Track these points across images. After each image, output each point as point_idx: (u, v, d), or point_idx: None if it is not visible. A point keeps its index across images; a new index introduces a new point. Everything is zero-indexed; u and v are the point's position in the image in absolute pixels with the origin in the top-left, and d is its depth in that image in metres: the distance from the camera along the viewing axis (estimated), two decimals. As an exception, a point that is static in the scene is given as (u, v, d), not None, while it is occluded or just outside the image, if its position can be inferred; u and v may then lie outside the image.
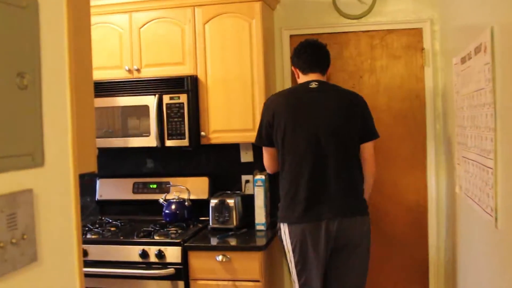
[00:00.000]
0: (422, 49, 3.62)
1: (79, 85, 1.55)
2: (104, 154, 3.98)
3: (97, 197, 4.03)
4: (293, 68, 3.21)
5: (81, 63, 1.54)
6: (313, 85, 3.00)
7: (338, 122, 2.93)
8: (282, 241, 2.97)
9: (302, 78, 3.11)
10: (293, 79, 3.48)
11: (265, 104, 3.12)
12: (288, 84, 3.77)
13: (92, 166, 1.64)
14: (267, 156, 3.14)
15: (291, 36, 3.81)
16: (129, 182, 4.00)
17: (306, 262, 2.89)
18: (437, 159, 3.62)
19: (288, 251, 2.93)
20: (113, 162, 4.09)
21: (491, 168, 2.01)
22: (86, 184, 4.02)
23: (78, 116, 1.51)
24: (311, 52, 3.10)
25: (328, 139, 2.89)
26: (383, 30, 3.69)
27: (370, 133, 3.03)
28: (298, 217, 2.87)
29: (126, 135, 3.60)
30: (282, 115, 2.94)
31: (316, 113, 2.93)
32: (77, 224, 1.36)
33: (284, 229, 2.93)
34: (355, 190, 2.98)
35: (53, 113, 1.26)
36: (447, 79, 3.27)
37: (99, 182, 4.04)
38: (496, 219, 1.97)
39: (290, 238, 2.90)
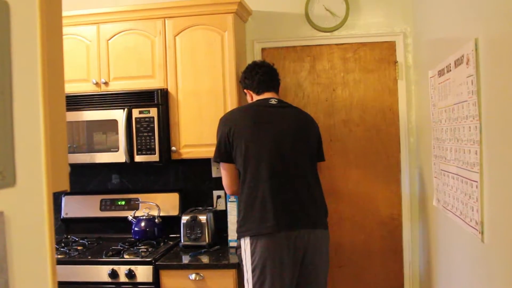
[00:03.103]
0: (395, 62, 3.61)
1: (52, 99, 1.46)
2: (70, 171, 3.85)
3: (63, 215, 3.87)
4: (245, 91, 3.15)
5: (53, 74, 1.44)
6: (273, 101, 3.00)
7: (300, 136, 2.94)
8: (241, 260, 2.82)
9: (256, 99, 3.08)
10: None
11: (221, 119, 3.01)
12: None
13: (64, 184, 1.54)
14: (226, 173, 2.99)
15: (262, 49, 3.77)
16: (96, 199, 3.85)
17: (264, 283, 2.71)
18: (411, 172, 3.61)
19: (247, 271, 2.77)
20: (79, 178, 3.94)
21: (475, 181, 1.97)
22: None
23: (50, 132, 1.41)
24: (263, 73, 3.10)
25: (292, 151, 2.88)
26: (356, 43, 3.67)
27: (322, 155, 3.13)
28: (263, 228, 2.72)
29: (94, 150, 3.48)
30: (243, 128, 2.88)
31: (279, 126, 2.91)
32: (51, 247, 1.26)
33: (245, 244, 2.78)
34: (321, 203, 2.94)
35: (25, 129, 1.17)
36: (422, 92, 3.26)
37: (64, 200, 3.89)
38: (482, 233, 1.93)
39: (252, 253, 2.74)
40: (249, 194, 2.82)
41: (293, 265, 2.75)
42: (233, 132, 2.88)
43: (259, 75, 3.08)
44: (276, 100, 3.01)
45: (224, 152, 2.93)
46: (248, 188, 2.83)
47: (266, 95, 3.05)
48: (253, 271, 2.73)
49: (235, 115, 3.00)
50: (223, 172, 3.01)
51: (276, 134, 2.87)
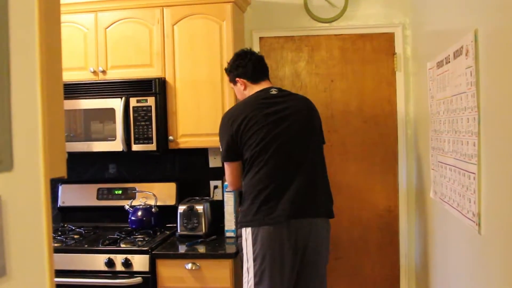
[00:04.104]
0: (394, 54, 3.60)
1: (49, 84, 1.45)
2: (67, 159, 3.84)
3: (59, 203, 3.87)
4: (238, 80, 3.00)
5: (51, 62, 1.43)
6: (273, 91, 2.92)
7: (307, 125, 2.89)
8: (242, 249, 2.79)
9: (253, 88, 2.98)
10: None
11: (225, 118, 2.90)
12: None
13: (61, 171, 1.53)
14: (232, 171, 2.93)
15: (260, 38, 3.76)
16: (93, 188, 3.85)
17: (265, 272, 2.70)
18: (409, 164, 3.61)
19: (248, 260, 2.74)
20: (76, 167, 3.93)
21: (473, 173, 1.97)
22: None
23: (48, 117, 1.40)
24: (256, 60, 3.01)
25: (300, 142, 2.82)
26: (355, 34, 3.66)
27: (323, 138, 3.04)
28: (267, 220, 2.69)
29: (91, 139, 3.47)
30: (251, 123, 2.79)
31: (285, 117, 2.83)
32: (48, 233, 1.26)
33: (246, 233, 2.75)
34: (327, 193, 2.91)
35: (22, 113, 1.16)
36: (420, 83, 3.26)
37: (61, 188, 3.88)
38: (479, 224, 1.93)
39: (253, 243, 2.71)
40: (255, 185, 2.77)
41: (293, 254, 2.73)
42: (242, 128, 2.79)
43: (252, 62, 2.98)
44: (276, 89, 2.93)
45: (233, 151, 2.85)
46: (253, 179, 2.78)
47: (264, 85, 2.97)
48: (254, 260, 2.71)
49: (240, 110, 2.88)
50: (228, 169, 2.94)
51: (284, 126, 2.81)
